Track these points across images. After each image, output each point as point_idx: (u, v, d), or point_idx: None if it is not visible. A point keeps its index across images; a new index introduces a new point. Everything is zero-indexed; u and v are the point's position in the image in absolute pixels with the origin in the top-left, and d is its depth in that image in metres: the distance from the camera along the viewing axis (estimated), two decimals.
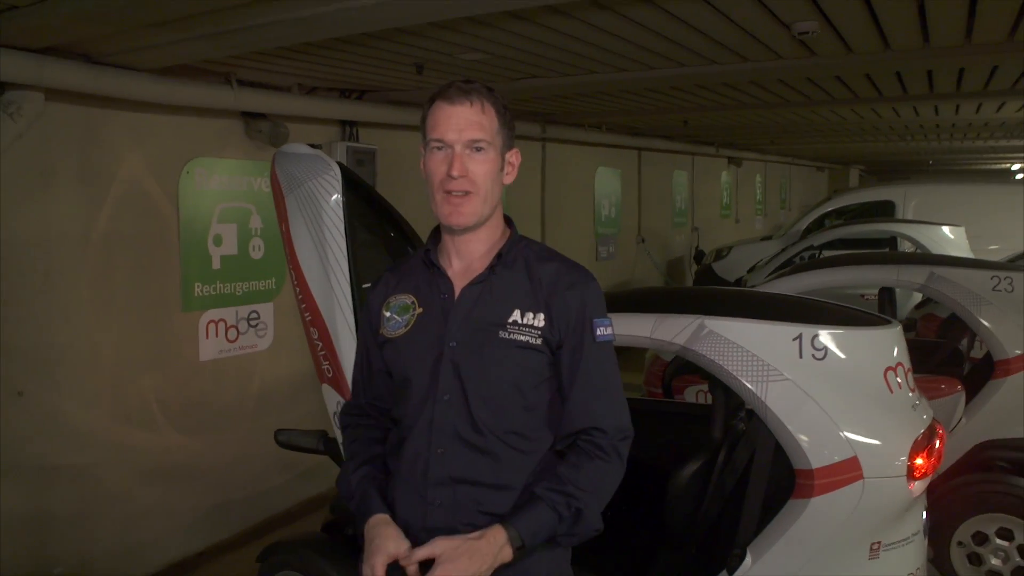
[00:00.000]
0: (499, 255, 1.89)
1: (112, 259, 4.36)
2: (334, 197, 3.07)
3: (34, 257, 3.99)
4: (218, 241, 4.91)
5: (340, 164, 3.13)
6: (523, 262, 1.90)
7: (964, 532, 4.00)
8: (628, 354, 6.09)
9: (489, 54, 4.20)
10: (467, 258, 1.91)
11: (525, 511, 1.75)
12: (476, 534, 1.72)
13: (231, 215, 4.98)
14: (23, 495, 3.94)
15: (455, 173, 1.79)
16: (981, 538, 3.97)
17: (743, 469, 2.84)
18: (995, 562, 3.94)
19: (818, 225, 10.46)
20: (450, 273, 1.92)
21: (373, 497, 1.87)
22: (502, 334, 1.83)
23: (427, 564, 1.71)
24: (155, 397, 4.61)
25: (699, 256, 12.21)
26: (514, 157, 1.93)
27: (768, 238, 12.03)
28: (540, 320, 1.83)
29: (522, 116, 7.42)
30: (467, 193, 1.82)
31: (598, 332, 1.87)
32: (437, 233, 1.97)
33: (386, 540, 1.76)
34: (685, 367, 4.78)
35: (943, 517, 3.98)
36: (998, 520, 3.94)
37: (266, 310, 5.23)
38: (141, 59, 3.88)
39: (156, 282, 4.60)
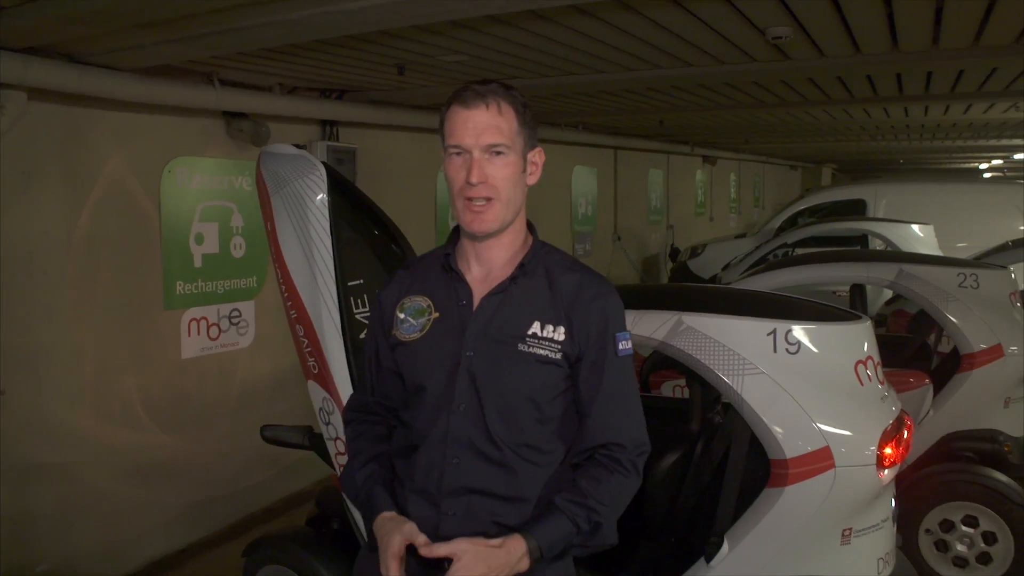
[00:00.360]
0: (521, 264, 1.85)
1: (94, 258, 4.38)
2: (320, 197, 3.12)
3: (16, 256, 4.00)
4: (200, 240, 4.94)
5: (325, 164, 3.19)
6: (543, 271, 1.86)
7: (932, 520, 4.12)
8: None
9: (470, 56, 4.27)
10: (487, 264, 1.87)
11: (545, 522, 1.73)
12: (497, 541, 1.69)
13: (212, 214, 5.01)
14: (6, 493, 3.95)
15: (474, 179, 1.74)
16: (948, 526, 4.10)
17: (719, 460, 2.93)
18: (961, 548, 4.07)
19: (791, 223, 10.60)
20: (469, 279, 1.87)
21: (381, 495, 1.84)
22: (521, 347, 1.79)
23: (435, 561, 1.70)
24: (138, 395, 4.63)
25: (674, 253, 12.34)
26: (537, 156, 1.87)
27: (742, 236, 12.18)
28: (560, 333, 1.80)
29: None
30: (488, 200, 1.77)
31: (620, 346, 1.84)
32: (456, 234, 1.92)
33: (403, 524, 1.74)
34: (662, 363, 4.88)
35: (911, 506, 4.10)
36: (964, 508, 4.06)
37: (247, 308, 5.26)
38: (125, 59, 3.91)
39: (138, 280, 4.62)
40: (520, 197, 1.84)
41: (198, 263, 4.93)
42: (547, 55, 4.26)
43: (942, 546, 4.12)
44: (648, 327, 2.84)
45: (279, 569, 3.47)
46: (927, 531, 4.14)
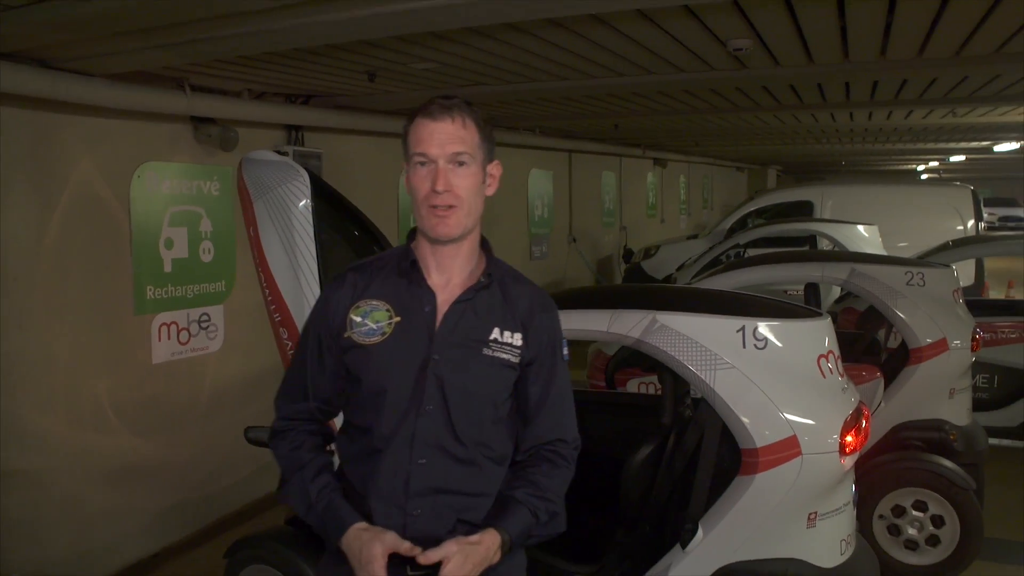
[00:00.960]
0: (488, 274, 1.95)
1: (65, 263, 4.37)
2: (303, 202, 3.20)
3: None
4: (169, 244, 4.95)
5: (308, 170, 3.27)
6: (497, 282, 1.97)
7: (884, 506, 4.35)
8: (572, 349, 6.34)
9: (441, 64, 4.37)
10: (447, 273, 1.93)
11: (512, 516, 1.86)
12: (476, 538, 1.79)
13: (182, 218, 5.02)
14: None
15: (439, 188, 1.81)
16: (899, 511, 4.33)
17: (692, 451, 3.08)
18: (912, 532, 4.30)
19: (741, 224, 10.85)
20: (430, 284, 1.93)
21: (344, 506, 1.87)
22: (485, 351, 1.88)
23: (408, 562, 1.78)
24: (109, 400, 4.63)
25: (628, 255, 12.54)
26: (495, 169, 1.95)
27: (694, 237, 12.42)
28: (518, 339, 1.91)
29: None
30: (451, 207, 1.84)
31: (565, 352, 2.02)
32: (411, 241, 1.98)
33: (382, 534, 1.78)
34: (627, 360, 5.04)
35: (865, 493, 4.30)
36: (914, 494, 4.30)
37: (216, 312, 5.28)
38: (98, 65, 3.93)
39: (109, 285, 4.62)
40: (480, 207, 1.92)
41: (168, 268, 4.94)
42: (515, 63, 4.38)
43: (894, 530, 4.34)
44: (624, 326, 2.99)
45: (262, 568, 3.51)
46: (880, 516, 4.36)
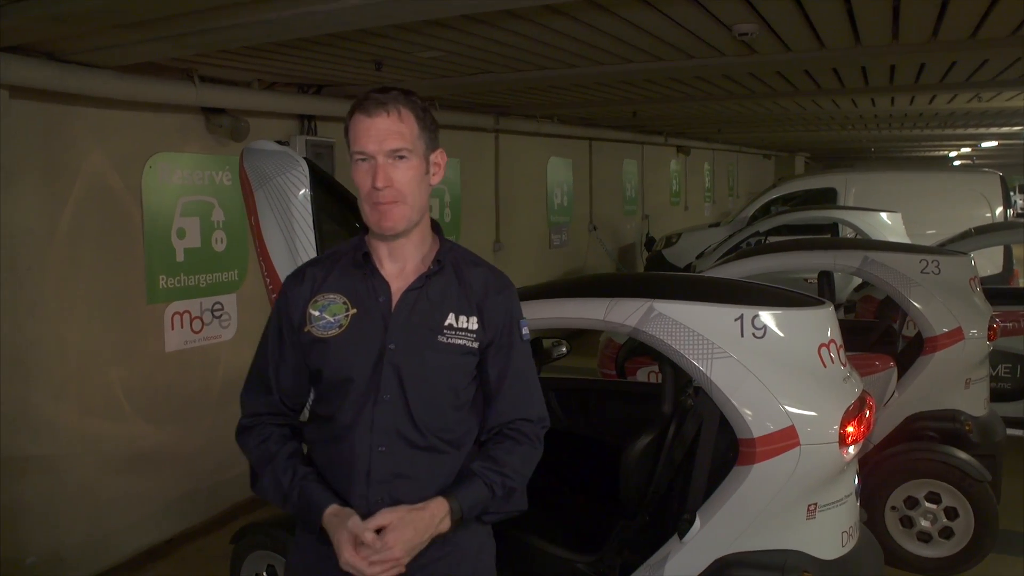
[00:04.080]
0: (438, 260, 1.95)
1: (77, 254, 4.43)
2: (302, 192, 3.22)
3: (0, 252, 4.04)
4: (181, 234, 4.99)
5: (307, 159, 3.28)
6: (451, 267, 1.97)
7: (897, 497, 4.29)
8: (583, 338, 6.31)
9: (446, 52, 4.35)
10: (400, 261, 1.95)
11: (465, 486, 1.87)
12: (420, 505, 1.82)
13: (194, 208, 5.07)
14: None
15: (379, 184, 1.82)
16: (912, 502, 4.27)
17: (691, 441, 3.05)
18: (925, 524, 4.24)
19: (764, 212, 10.74)
20: (384, 274, 1.94)
21: (316, 491, 1.88)
22: (440, 338, 1.89)
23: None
24: (122, 388, 4.69)
25: (649, 243, 12.46)
26: (439, 157, 1.95)
27: (716, 225, 12.32)
28: (474, 323, 1.92)
29: (476, 108, 7.58)
30: (394, 202, 1.85)
31: (524, 331, 2.01)
32: (363, 236, 2.00)
33: (346, 519, 1.80)
34: (637, 349, 5.00)
35: (877, 484, 4.27)
36: (927, 485, 4.24)
37: (229, 301, 5.33)
38: (105, 57, 3.96)
39: (121, 275, 4.68)
40: (424, 197, 1.92)
41: (180, 257, 4.99)
42: (520, 51, 4.35)
43: (907, 522, 4.29)
44: (621, 314, 2.96)
45: (267, 554, 3.57)
46: (892, 508, 4.30)
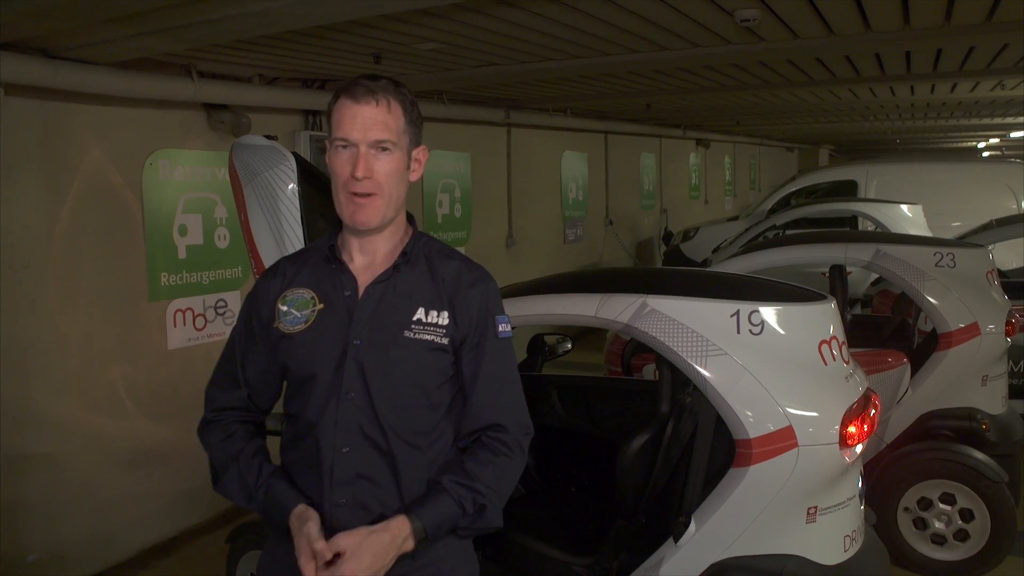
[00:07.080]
0: (404, 252, 1.88)
1: (77, 251, 4.41)
2: (290, 187, 3.16)
3: None
4: (183, 231, 4.96)
5: (295, 154, 3.22)
6: (424, 259, 1.90)
7: (910, 498, 4.16)
8: (592, 335, 6.23)
9: (445, 43, 4.27)
10: (371, 254, 1.88)
11: (431, 503, 1.77)
12: (380, 526, 1.72)
13: (196, 205, 5.03)
14: None
15: (359, 174, 1.76)
16: (926, 503, 4.14)
17: (688, 440, 2.96)
18: (939, 525, 4.12)
19: (783, 205, 10.60)
20: (352, 268, 1.88)
21: (286, 489, 1.83)
22: (407, 333, 1.82)
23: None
24: (124, 386, 4.67)
25: (667, 237, 12.34)
26: (421, 154, 1.89)
27: (735, 218, 12.17)
28: (444, 318, 1.83)
29: (486, 102, 7.50)
30: (371, 195, 1.78)
31: (500, 328, 1.89)
32: (339, 228, 1.93)
33: (303, 525, 1.73)
34: (643, 345, 4.91)
35: (890, 485, 4.15)
36: (941, 486, 4.10)
37: (233, 298, 5.29)
38: (99, 53, 3.93)
39: (122, 273, 4.65)
40: (402, 193, 1.86)
41: (182, 254, 4.96)
42: (520, 42, 4.27)
43: (920, 524, 4.16)
44: (613, 310, 2.87)
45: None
46: (905, 509, 4.18)
